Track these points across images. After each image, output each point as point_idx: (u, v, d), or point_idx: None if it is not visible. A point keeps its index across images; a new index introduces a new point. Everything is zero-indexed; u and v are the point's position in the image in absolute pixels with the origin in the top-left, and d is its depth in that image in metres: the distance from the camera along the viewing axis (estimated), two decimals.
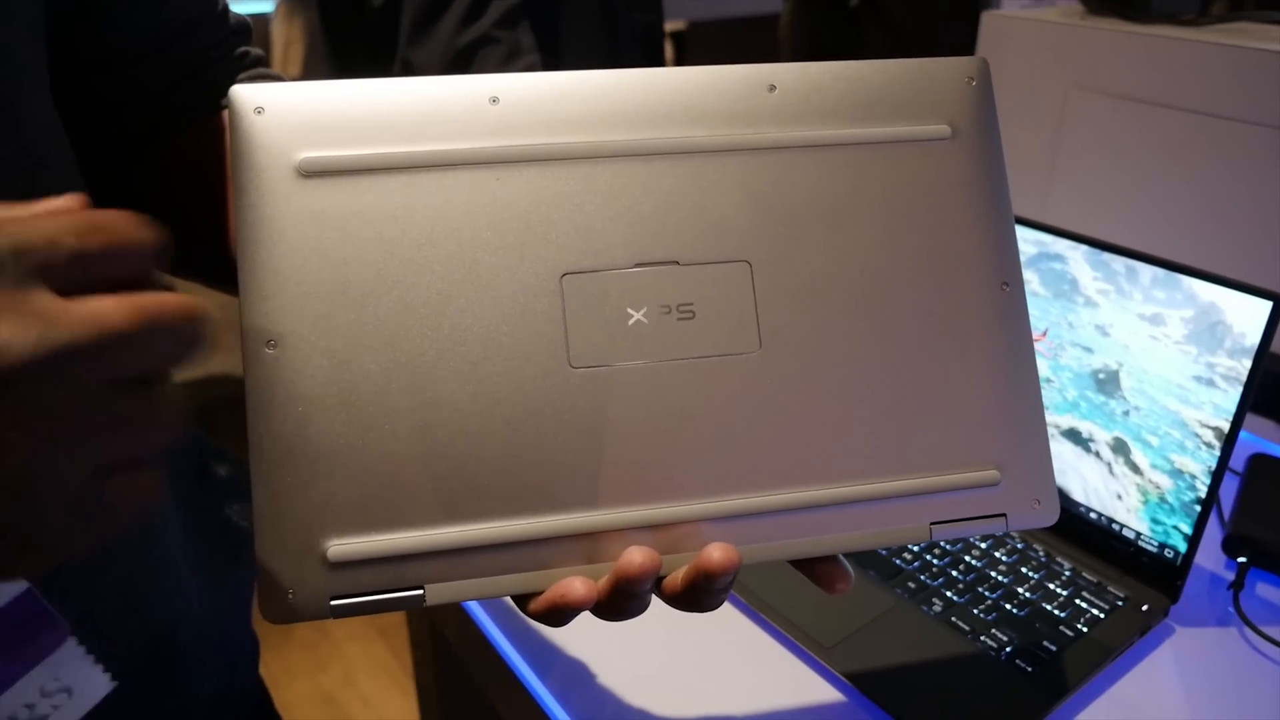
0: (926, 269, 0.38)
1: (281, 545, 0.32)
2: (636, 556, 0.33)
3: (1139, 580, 0.66)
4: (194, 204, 0.47)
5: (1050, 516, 0.39)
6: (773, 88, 0.38)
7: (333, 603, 0.32)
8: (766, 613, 0.63)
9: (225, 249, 0.46)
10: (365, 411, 0.33)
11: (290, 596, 0.31)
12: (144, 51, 0.45)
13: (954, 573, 0.67)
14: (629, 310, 0.35)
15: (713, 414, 0.36)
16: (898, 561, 0.68)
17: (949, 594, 0.65)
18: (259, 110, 0.33)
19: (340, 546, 0.32)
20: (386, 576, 0.32)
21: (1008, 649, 0.60)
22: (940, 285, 0.38)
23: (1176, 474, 0.63)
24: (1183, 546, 0.63)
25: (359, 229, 0.33)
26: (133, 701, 0.39)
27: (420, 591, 0.33)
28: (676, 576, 0.35)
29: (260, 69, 0.50)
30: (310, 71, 1.34)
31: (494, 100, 0.35)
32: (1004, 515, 0.38)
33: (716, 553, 0.33)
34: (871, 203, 0.38)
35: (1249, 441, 0.83)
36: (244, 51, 0.50)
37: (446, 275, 0.34)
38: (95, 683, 0.31)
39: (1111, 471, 0.66)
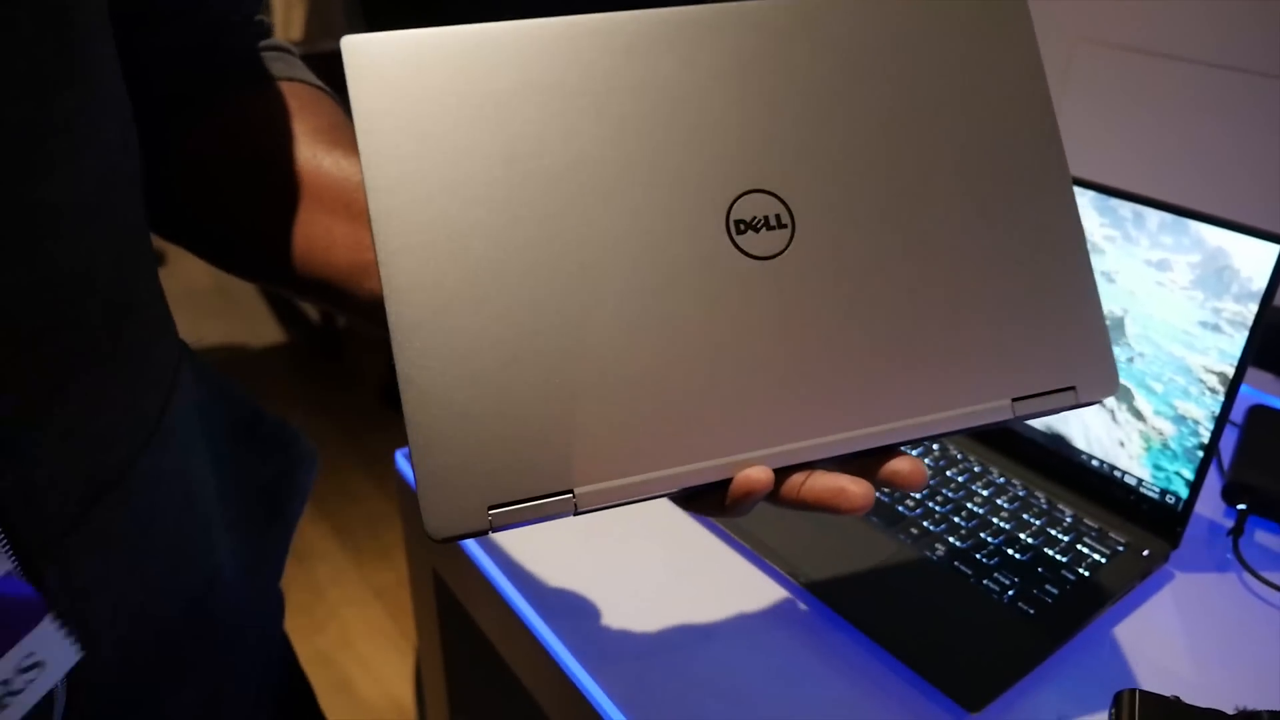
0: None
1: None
2: (761, 475, 0.34)
3: (1140, 526, 0.66)
4: (219, 176, 0.46)
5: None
6: None
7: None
8: (771, 557, 0.64)
9: (244, 223, 0.45)
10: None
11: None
12: (168, 13, 0.44)
13: (956, 519, 0.67)
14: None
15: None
16: (900, 508, 0.68)
17: (952, 540, 0.65)
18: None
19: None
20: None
21: (1010, 592, 0.60)
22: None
23: (1179, 420, 0.63)
24: (1184, 492, 0.63)
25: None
26: (171, 659, 0.38)
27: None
28: (812, 487, 0.36)
29: (273, 39, 0.49)
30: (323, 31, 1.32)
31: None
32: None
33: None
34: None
35: (1247, 394, 0.83)
36: (259, 20, 0.48)
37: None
38: (66, 654, 0.31)
39: (1114, 419, 0.67)
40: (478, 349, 0.33)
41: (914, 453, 0.74)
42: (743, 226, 0.36)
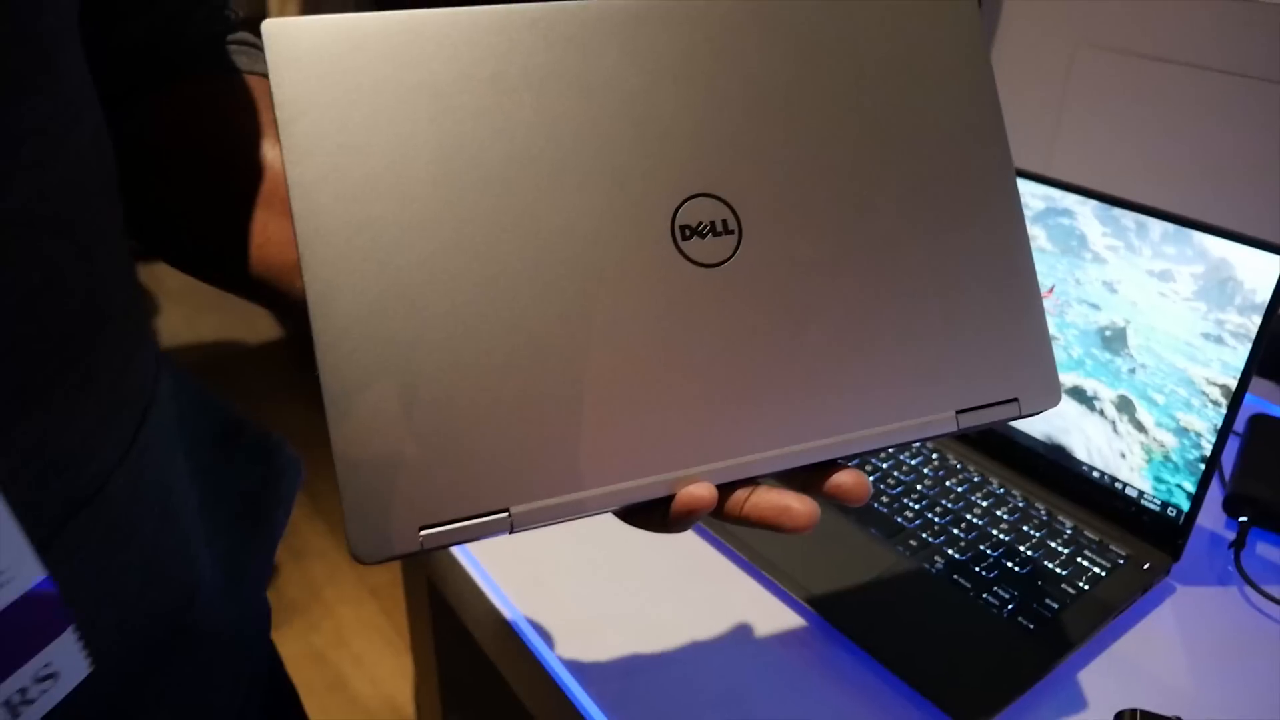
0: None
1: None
2: (703, 492, 0.33)
3: (1141, 539, 0.65)
4: (177, 165, 0.45)
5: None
6: None
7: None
8: (766, 568, 0.63)
9: (204, 217, 0.44)
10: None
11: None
12: (133, 4, 0.43)
13: (955, 531, 0.66)
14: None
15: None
16: (899, 520, 0.67)
17: (950, 552, 0.64)
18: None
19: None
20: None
21: (1009, 606, 0.60)
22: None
23: (1181, 432, 0.63)
24: (1185, 505, 0.63)
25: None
26: (151, 674, 0.38)
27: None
28: (756, 504, 0.35)
29: (242, 34, 0.48)
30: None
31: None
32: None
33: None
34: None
35: (1249, 403, 0.83)
36: (227, 14, 0.47)
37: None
38: (79, 666, 0.30)
39: (1116, 430, 0.66)
40: (406, 359, 0.31)
41: (913, 461, 0.73)
42: (688, 232, 0.35)
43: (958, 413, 0.38)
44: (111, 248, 0.35)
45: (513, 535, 0.33)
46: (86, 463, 0.33)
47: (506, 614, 0.62)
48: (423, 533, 0.31)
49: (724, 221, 0.35)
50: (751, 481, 0.35)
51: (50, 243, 0.31)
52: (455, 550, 0.67)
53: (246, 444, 0.49)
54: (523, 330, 0.32)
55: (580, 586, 0.63)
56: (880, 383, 0.37)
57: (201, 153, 0.43)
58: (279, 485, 0.49)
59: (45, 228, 0.31)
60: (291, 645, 1.69)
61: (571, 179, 0.33)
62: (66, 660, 0.30)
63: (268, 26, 0.31)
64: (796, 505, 0.34)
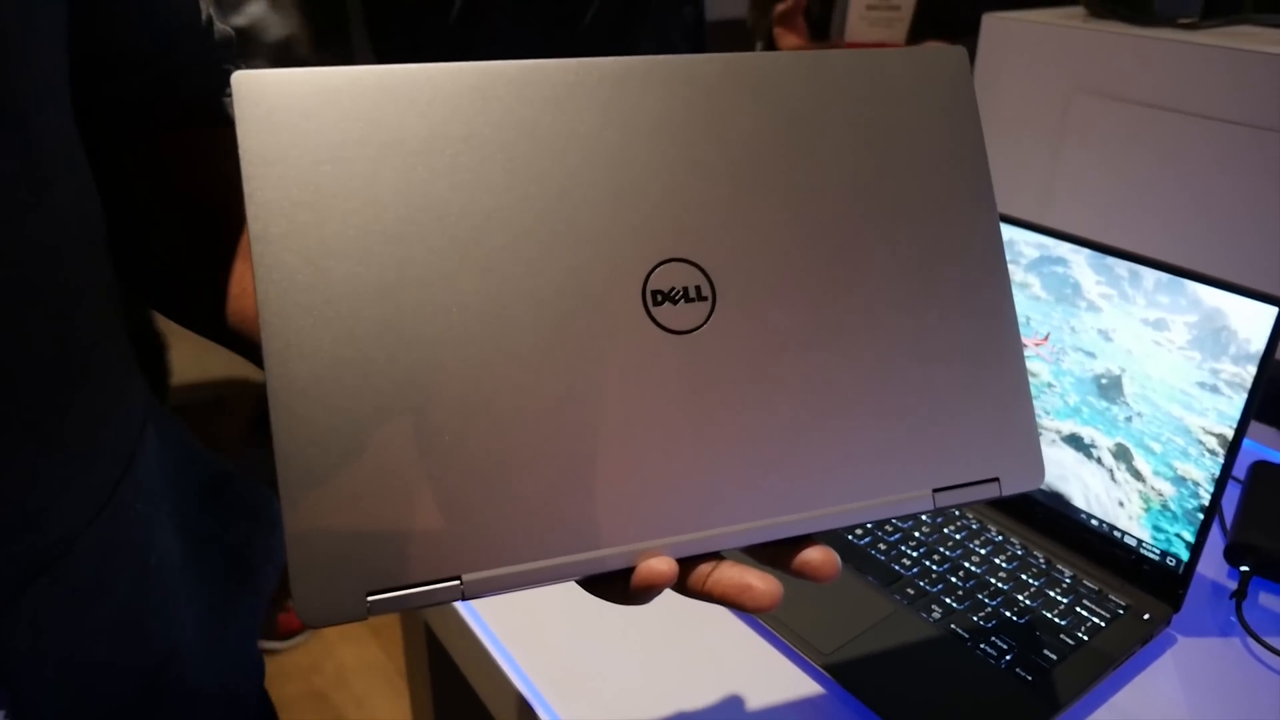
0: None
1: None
2: (664, 566, 0.32)
3: (1140, 588, 0.65)
4: (164, 213, 0.45)
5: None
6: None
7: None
8: (766, 620, 0.63)
9: (193, 268, 0.44)
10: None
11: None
12: (127, 61, 0.43)
13: (953, 579, 0.66)
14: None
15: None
16: (896, 567, 0.67)
17: (948, 600, 0.64)
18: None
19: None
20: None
21: (1007, 657, 0.59)
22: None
23: (1179, 481, 0.62)
24: (1185, 554, 0.62)
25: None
26: None
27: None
28: (719, 580, 0.34)
29: None
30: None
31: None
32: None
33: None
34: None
35: (1250, 449, 0.82)
36: (227, 67, 0.48)
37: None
38: None
39: (1113, 478, 0.66)
40: (360, 423, 0.30)
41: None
42: (660, 297, 0.34)
43: (935, 491, 0.37)
44: (92, 308, 0.35)
45: (465, 601, 0.32)
46: (51, 526, 0.33)
47: (506, 668, 0.61)
48: (370, 599, 0.30)
49: (697, 288, 0.34)
50: (716, 555, 0.34)
51: (16, 302, 0.31)
52: (459, 604, 0.67)
53: (231, 498, 0.48)
54: (482, 396, 0.32)
55: (584, 646, 0.63)
56: (854, 458, 0.36)
57: (186, 203, 0.44)
58: (269, 538, 0.49)
59: (11, 287, 0.31)
60: (292, 686, 1.68)
61: (541, 241, 0.33)
62: None
63: (237, 78, 0.30)
64: (759, 584, 0.33)
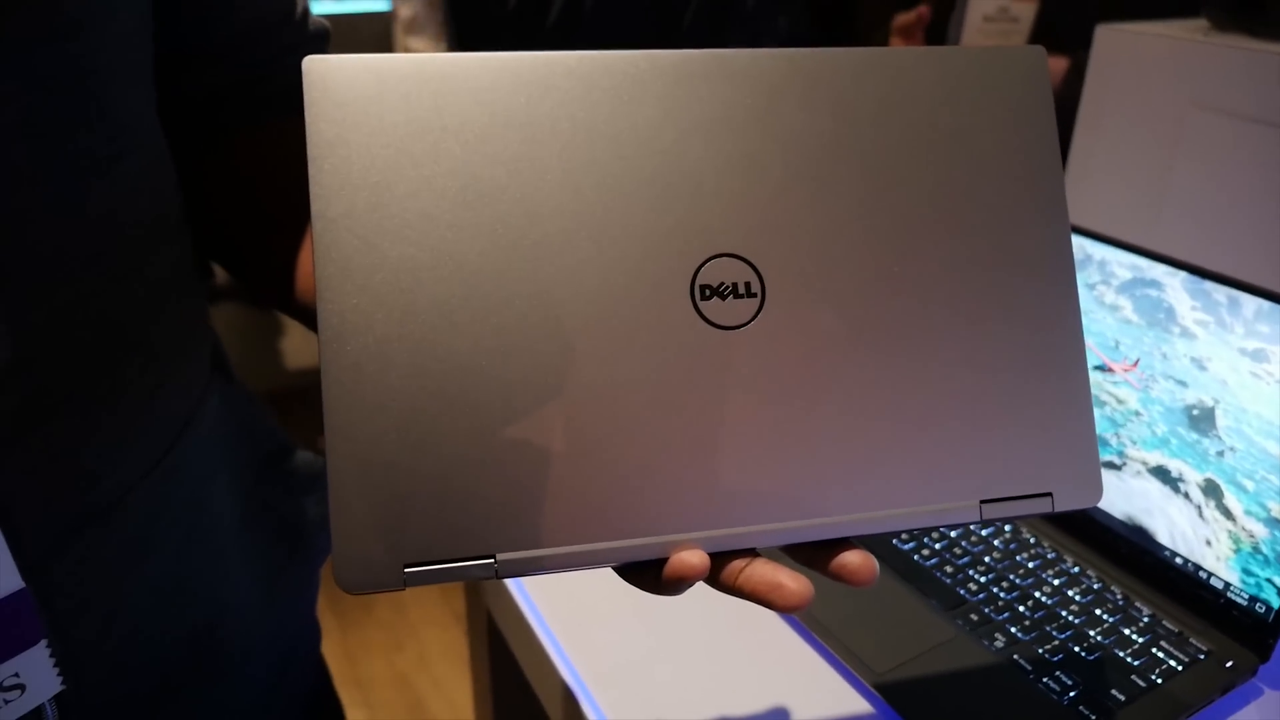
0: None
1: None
2: (695, 559, 0.33)
3: (1225, 634, 0.61)
4: (249, 206, 0.47)
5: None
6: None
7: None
8: (818, 631, 0.62)
9: (275, 257, 0.46)
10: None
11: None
12: (220, 51, 0.45)
13: (1021, 608, 0.63)
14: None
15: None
16: (962, 591, 0.65)
17: (1013, 630, 0.62)
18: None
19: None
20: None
21: (1071, 694, 0.57)
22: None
23: (1273, 523, 0.58)
24: (1276, 601, 0.59)
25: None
26: (174, 690, 0.39)
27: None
28: (750, 577, 0.34)
29: None
30: None
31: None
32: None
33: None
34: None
35: None
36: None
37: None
38: (48, 682, 0.32)
39: (1201, 515, 0.62)
40: (409, 400, 0.31)
41: (983, 531, 0.71)
42: (709, 292, 0.34)
43: (982, 502, 0.36)
44: (155, 279, 0.37)
45: (499, 579, 0.33)
46: (102, 478, 0.35)
47: (555, 659, 0.62)
48: (407, 570, 0.31)
49: (747, 284, 0.34)
50: (750, 552, 0.34)
51: (78, 272, 0.33)
52: (511, 586, 0.68)
53: (292, 468, 0.50)
54: (528, 380, 0.32)
55: (629, 632, 0.63)
56: (898, 463, 0.35)
57: (269, 190, 0.46)
58: (325, 508, 0.51)
59: (75, 257, 0.33)
60: (376, 662, 1.73)
61: (593, 230, 0.33)
62: (35, 674, 0.31)
63: (307, 62, 0.32)
64: (790, 584, 0.33)
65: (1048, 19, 1.51)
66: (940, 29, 1.62)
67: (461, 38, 1.28)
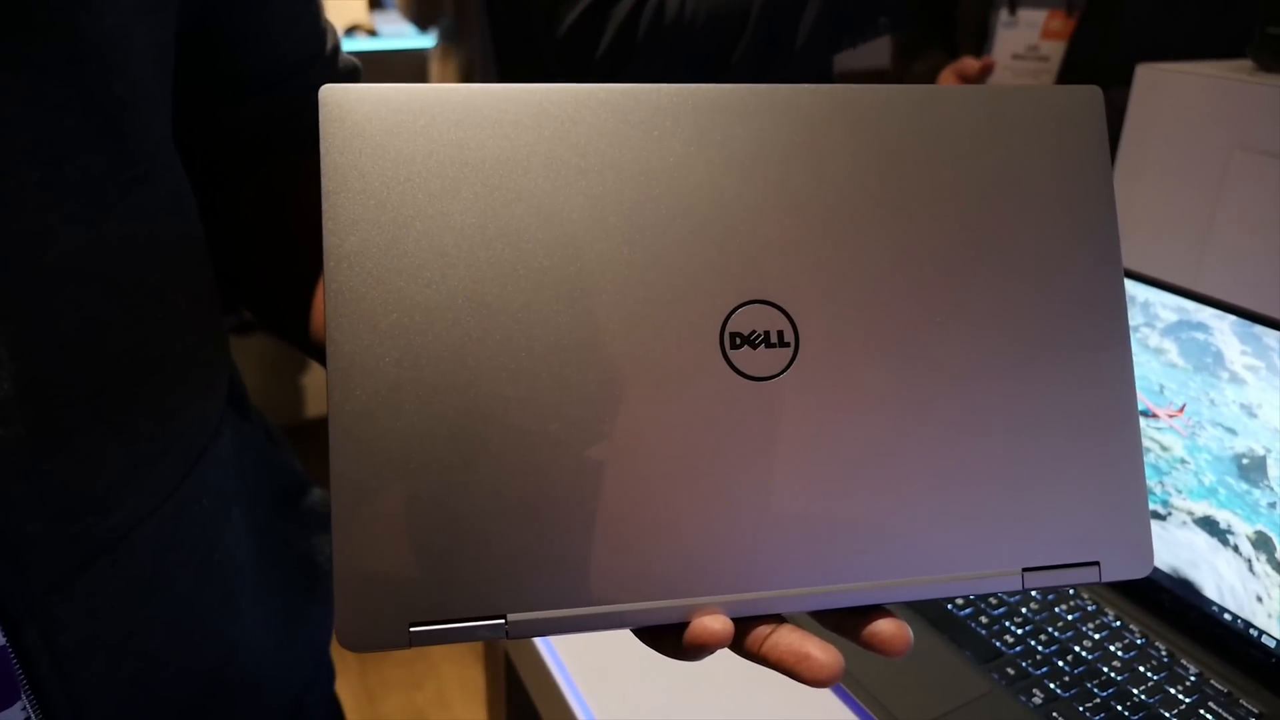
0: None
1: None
2: (718, 625, 0.31)
3: (1277, 695, 0.58)
4: (275, 242, 0.47)
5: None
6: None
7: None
8: (847, 683, 0.59)
9: (292, 288, 0.45)
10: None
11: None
12: (253, 89, 0.45)
13: (1060, 663, 0.61)
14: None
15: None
16: (998, 644, 0.62)
17: (1052, 685, 0.59)
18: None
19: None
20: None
21: None
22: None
23: None
24: None
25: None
26: None
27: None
28: (775, 644, 0.32)
29: None
30: None
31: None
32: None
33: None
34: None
35: None
36: None
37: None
38: None
39: (1252, 569, 0.59)
40: (419, 449, 0.30)
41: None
42: (739, 340, 0.32)
43: (1025, 570, 0.33)
44: (172, 306, 0.36)
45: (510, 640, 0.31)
46: (113, 509, 0.34)
47: (574, 706, 0.60)
48: (412, 629, 0.30)
49: (780, 333, 0.32)
50: (776, 617, 0.32)
51: (92, 297, 0.32)
52: (536, 643, 0.67)
53: (309, 506, 0.49)
54: (544, 431, 0.31)
55: (649, 682, 0.61)
56: (936, 528, 0.33)
57: (285, 224, 0.45)
58: None
59: (89, 281, 0.32)
60: (394, 699, 1.71)
61: (618, 273, 0.32)
62: None
63: (324, 91, 0.30)
64: (818, 655, 0.30)
65: (1075, 57, 1.49)
66: None
67: (502, 67, 1.27)
